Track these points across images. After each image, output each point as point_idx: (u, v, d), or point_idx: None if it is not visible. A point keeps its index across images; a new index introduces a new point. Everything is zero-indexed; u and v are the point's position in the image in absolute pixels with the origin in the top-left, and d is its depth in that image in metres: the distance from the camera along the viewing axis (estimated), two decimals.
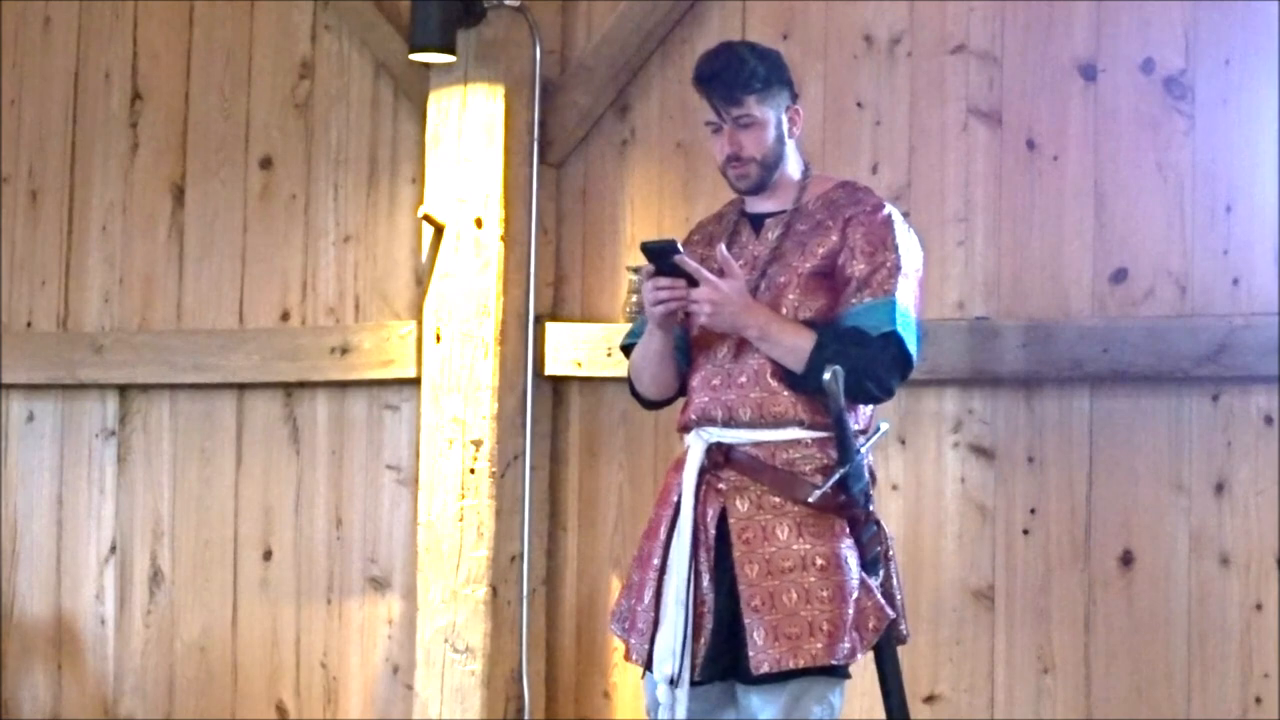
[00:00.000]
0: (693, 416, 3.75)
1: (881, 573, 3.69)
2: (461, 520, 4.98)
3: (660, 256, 3.63)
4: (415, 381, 5.15)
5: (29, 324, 5.82)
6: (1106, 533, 4.50)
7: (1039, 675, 4.54)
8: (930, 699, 4.63)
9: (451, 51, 5.00)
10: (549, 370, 5.06)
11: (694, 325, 3.77)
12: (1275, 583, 4.34)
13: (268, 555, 5.47)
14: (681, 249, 3.64)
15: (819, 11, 4.87)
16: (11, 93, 5.88)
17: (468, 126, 5.05)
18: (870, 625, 3.61)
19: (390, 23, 5.24)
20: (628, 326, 4.16)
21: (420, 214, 5.10)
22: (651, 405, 4.00)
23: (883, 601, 3.64)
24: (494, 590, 4.96)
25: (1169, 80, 4.50)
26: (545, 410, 5.09)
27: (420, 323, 5.13)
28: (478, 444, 4.97)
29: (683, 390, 3.86)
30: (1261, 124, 4.39)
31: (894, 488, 4.70)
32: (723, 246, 3.70)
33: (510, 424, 4.99)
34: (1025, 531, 4.58)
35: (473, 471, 4.98)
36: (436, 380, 5.05)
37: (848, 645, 3.58)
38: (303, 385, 5.41)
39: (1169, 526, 4.44)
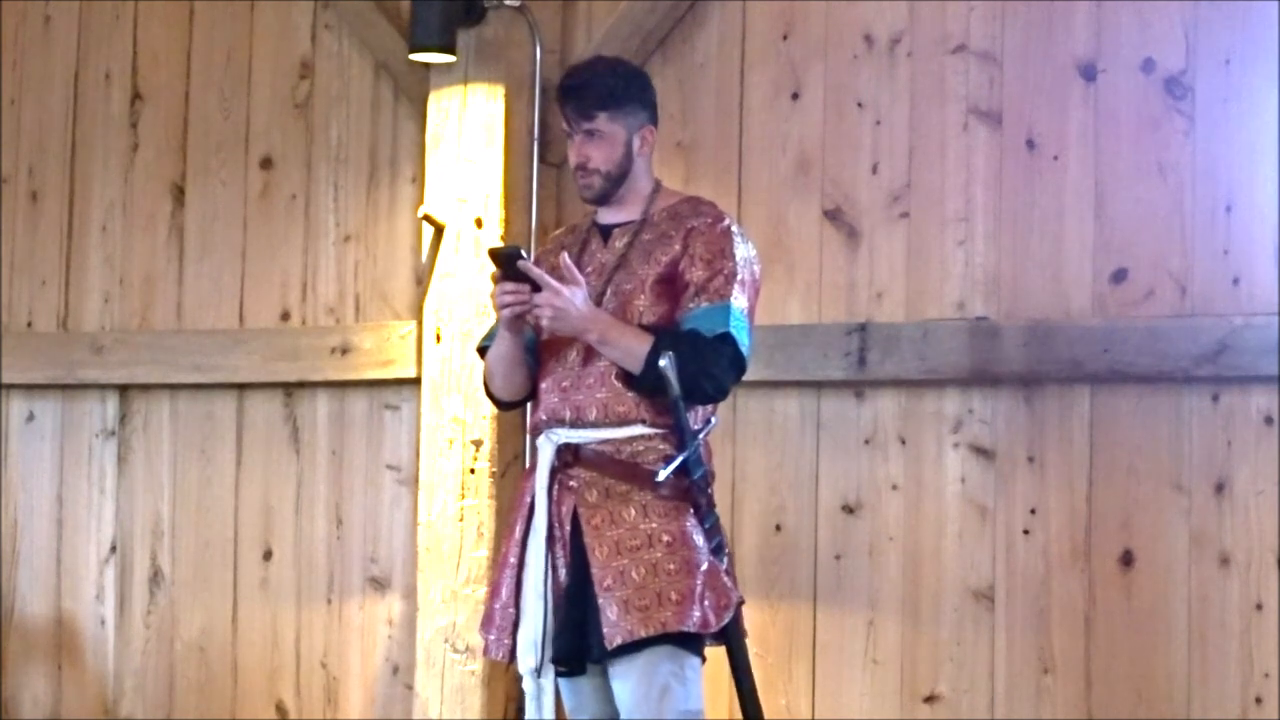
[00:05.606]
0: (543, 417, 3.89)
1: (726, 561, 3.80)
2: (461, 520, 4.98)
3: (506, 262, 3.77)
4: (415, 381, 5.15)
5: (29, 324, 5.81)
6: (1106, 533, 4.50)
7: (1039, 675, 4.54)
8: (930, 699, 4.63)
9: (451, 51, 5.00)
10: None
11: (543, 329, 3.89)
12: (1275, 583, 4.33)
13: (268, 555, 5.47)
14: (525, 255, 3.77)
15: (819, 11, 4.87)
16: (11, 93, 5.88)
17: (468, 126, 5.05)
18: (721, 602, 3.72)
19: (390, 23, 5.24)
20: None
21: (420, 214, 5.10)
22: (504, 406, 4.16)
23: (730, 584, 3.76)
24: None
25: (1169, 80, 4.50)
26: None
27: (420, 323, 5.13)
28: (478, 444, 4.97)
29: (534, 393, 3.98)
30: (1261, 124, 4.39)
31: (894, 488, 4.70)
32: (565, 255, 3.84)
33: (510, 424, 4.99)
34: (1025, 531, 4.58)
35: (473, 471, 4.98)
36: (436, 380, 5.05)
37: (698, 614, 3.69)
38: (303, 385, 5.41)
39: (1169, 526, 4.44)
